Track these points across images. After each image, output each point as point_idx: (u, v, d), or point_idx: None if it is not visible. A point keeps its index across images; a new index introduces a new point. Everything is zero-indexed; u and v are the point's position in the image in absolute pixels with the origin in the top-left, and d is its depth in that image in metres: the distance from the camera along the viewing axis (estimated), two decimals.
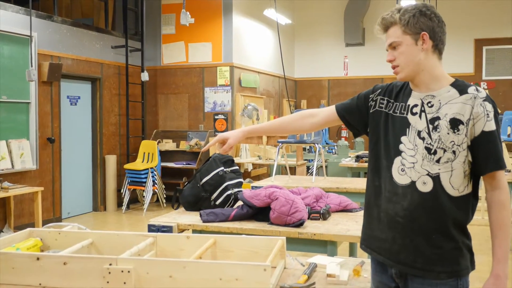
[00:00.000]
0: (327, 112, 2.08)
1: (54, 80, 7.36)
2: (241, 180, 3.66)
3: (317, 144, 5.68)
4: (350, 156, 8.75)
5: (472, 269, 1.79)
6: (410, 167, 1.76)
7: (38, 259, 2.05)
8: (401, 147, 1.79)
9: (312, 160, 9.28)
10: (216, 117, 9.44)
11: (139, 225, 7.50)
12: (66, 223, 2.68)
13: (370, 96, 1.96)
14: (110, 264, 1.97)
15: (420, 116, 1.77)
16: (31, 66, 6.65)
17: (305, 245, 3.07)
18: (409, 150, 1.77)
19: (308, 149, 9.81)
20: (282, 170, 8.96)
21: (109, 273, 1.96)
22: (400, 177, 1.79)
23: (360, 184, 4.98)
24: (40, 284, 2.04)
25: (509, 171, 6.07)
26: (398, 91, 1.88)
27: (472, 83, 1.79)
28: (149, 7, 9.46)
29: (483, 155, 1.71)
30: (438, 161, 1.71)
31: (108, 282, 1.96)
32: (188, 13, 6.20)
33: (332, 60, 12.35)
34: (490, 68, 11.34)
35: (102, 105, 8.55)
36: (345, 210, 3.54)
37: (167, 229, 3.17)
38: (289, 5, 12.15)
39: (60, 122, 7.65)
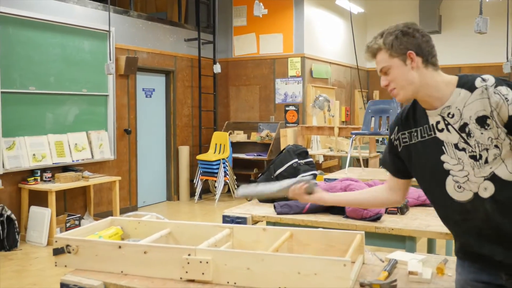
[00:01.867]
0: (392, 182, 1.99)
1: (130, 73, 7.59)
2: (315, 172, 3.62)
3: None
4: None
5: None
6: (465, 181, 1.68)
7: (120, 247, 2.11)
8: (446, 166, 1.71)
9: None
10: (287, 108, 9.40)
11: (211, 215, 7.63)
12: (144, 212, 2.74)
13: (391, 138, 1.90)
14: (189, 255, 1.99)
15: (448, 130, 1.69)
16: (110, 60, 6.88)
17: (382, 240, 2.98)
18: (455, 165, 1.69)
19: (380, 141, 9.58)
20: (353, 162, 8.80)
21: (188, 263, 1.98)
22: (461, 195, 1.70)
23: None
24: (121, 271, 2.10)
25: None
26: (413, 116, 1.82)
27: (479, 74, 1.67)
28: None
29: None
30: (486, 161, 1.64)
31: (187, 272, 1.99)
32: (261, 4, 6.18)
33: None
34: None
35: (176, 97, 8.73)
36: (423, 204, 3.41)
37: (242, 220, 3.19)
38: None
39: (136, 114, 7.89)
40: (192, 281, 1.99)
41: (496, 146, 1.62)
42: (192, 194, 8.82)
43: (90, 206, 6.95)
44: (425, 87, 1.72)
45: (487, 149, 1.63)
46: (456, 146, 1.69)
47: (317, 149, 9.19)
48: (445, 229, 2.82)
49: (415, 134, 1.80)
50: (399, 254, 2.26)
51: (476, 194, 1.67)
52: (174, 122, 8.73)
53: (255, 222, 3.25)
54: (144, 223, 2.51)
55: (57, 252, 2.18)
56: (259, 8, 6.07)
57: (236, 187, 8.75)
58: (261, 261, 1.90)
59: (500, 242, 1.68)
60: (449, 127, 1.70)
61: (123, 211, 7.16)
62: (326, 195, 2.13)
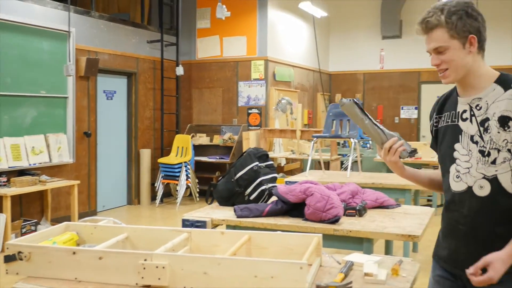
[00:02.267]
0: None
1: (91, 75, 7.46)
2: (276, 175, 3.62)
3: (353, 138, 5.58)
4: None
5: None
6: (465, 172, 1.71)
7: (74, 253, 2.06)
8: (455, 154, 1.75)
9: (345, 154, 9.17)
10: (249, 111, 9.41)
11: (173, 219, 7.56)
12: (101, 217, 2.70)
13: (430, 123, 1.93)
14: (145, 260, 1.96)
15: (471, 121, 1.72)
16: (69, 61, 6.75)
17: (340, 242, 3.01)
18: (463, 156, 1.72)
19: (342, 144, 9.70)
20: (315, 165, 8.87)
21: (144, 268, 1.95)
22: (456, 184, 1.74)
23: (397, 179, 4.87)
24: (76, 278, 2.05)
25: None
26: (445, 102, 1.84)
27: None
28: (185, 1, 9.48)
29: None
30: (493, 162, 1.65)
31: (143, 277, 1.96)
32: (224, 6, 6.18)
33: (367, 53, 12.14)
34: None
35: (137, 100, 8.63)
36: (381, 206, 3.47)
37: (201, 224, 3.16)
38: None
39: (96, 116, 7.76)
40: (148, 286, 1.96)
41: (509, 150, 1.62)
42: (153, 198, 8.72)
43: (47, 211, 6.79)
44: (471, 73, 1.71)
45: (498, 150, 1.63)
46: (471, 138, 1.70)
47: (280, 152, 9.24)
48: (401, 231, 2.88)
49: (443, 118, 1.83)
50: (355, 256, 2.29)
51: (469, 188, 1.69)
52: (136, 125, 8.62)
53: (215, 226, 3.24)
54: (100, 228, 2.46)
55: (8, 259, 2.12)
56: (222, 10, 6.07)
57: (198, 190, 8.70)
58: (218, 265, 1.89)
59: (467, 243, 1.71)
60: (473, 118, 1.70)
61: (82, 215, 7.01)
62: (407, 168, 1.99)
